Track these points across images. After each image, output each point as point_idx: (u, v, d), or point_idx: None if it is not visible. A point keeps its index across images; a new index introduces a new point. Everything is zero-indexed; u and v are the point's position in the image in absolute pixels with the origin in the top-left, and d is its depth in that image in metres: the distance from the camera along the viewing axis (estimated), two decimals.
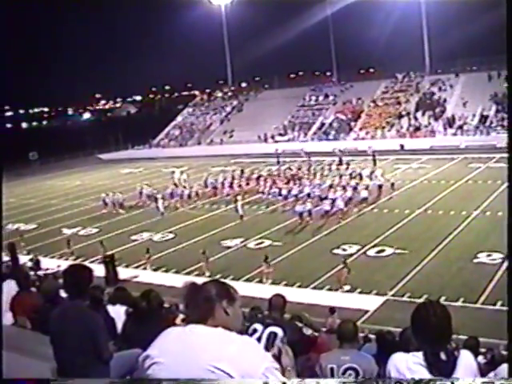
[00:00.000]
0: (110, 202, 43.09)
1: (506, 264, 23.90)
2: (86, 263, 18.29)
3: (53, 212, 44.84)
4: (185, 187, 46.27)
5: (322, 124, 76.74)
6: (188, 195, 43.59)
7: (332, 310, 19.55)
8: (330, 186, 39.90)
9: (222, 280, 3.66)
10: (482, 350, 12.49)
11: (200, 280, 3.68)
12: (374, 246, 29.00)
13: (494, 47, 50.60)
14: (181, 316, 11.61)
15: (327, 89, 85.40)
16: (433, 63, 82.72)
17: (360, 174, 44.71)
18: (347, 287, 23.75)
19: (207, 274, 26.37)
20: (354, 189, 39.30)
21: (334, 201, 36.20)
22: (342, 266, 24.32)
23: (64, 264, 24.61)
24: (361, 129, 72.43)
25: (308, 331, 7.91)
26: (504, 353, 10.06)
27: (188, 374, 3.24)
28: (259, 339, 6.03)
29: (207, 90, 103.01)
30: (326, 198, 37.07)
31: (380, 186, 40.52)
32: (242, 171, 49.99)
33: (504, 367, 4.82)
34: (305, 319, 10.93)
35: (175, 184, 46.68)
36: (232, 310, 3.43)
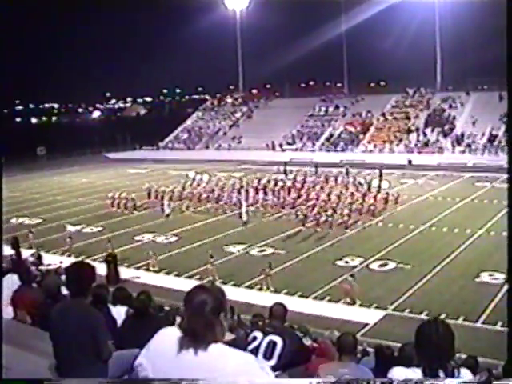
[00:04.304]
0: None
1: (507, 284, 23.92)
2: (88, 261, 18.30)
3: (57, 208, 44.90)
4: (198, 185, 47.51)
5: (331, 135, 76.77)
6: (198, 198, 43.75)
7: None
8: (338, 197, 39.97)
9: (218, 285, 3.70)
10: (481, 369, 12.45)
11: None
12: (376, 260, 28.95)
13: (507, 67, 50.60)
14: (179, 319, 11.62)
15: (337, 100, 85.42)
16: (444, 80, 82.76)
17: (369, 184, 44.91)
18: (357, 301, 23.60)
19: (212, 278, 26.30)
20: (362, 198, 39.54)
21: (335, 211, 36.40)
22: (351, 278, 24.16)
23: (66, 260, 24.69)
24: (369, 142, 72.43)
25: (308, 341, 7.91)
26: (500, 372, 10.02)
27: None
28: (258, 347, 6.03)
29: (218, 95, 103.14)
30: (332, 207, 37.07)
31: (386, 199, 40.53)
32: (260, 180, 49.34)
33: None
34: (304, 329, 10.94)
35: (183, 187, 46.69)
36: (225, 321, 3.48)
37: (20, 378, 4.05)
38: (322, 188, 44.17)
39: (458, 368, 3.92)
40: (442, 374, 3.82)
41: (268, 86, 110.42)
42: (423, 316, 20.61)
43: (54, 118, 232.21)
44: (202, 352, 3.31)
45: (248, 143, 77.74)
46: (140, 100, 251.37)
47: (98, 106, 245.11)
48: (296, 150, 74.45)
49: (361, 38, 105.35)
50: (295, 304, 20.97)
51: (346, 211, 36.17)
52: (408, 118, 74.56)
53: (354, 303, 23.48)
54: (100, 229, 37.32)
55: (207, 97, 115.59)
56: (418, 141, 69.17)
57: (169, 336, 3.49)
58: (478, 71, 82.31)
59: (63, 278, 6.77)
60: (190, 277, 27.10)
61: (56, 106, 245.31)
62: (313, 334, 11.97)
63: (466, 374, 3.94)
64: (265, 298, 21.26)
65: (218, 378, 3.22)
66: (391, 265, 28.15)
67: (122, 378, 4.99)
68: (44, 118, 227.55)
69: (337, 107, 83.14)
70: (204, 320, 3.35)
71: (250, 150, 74.18)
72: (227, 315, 3.52)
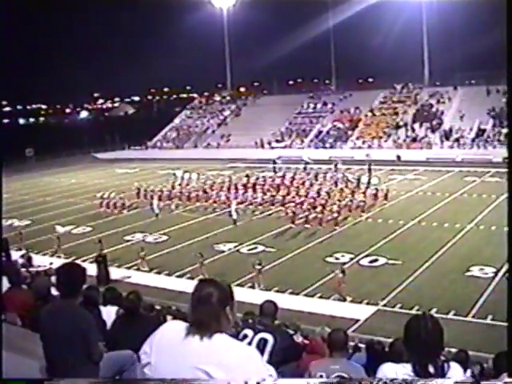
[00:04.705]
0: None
1: (497, 278, 24.03)
2: (78, 262, 18.23)
3: (47, 209, 44.71)
4: (187, 185, 47.37)
5: (320, 132, 76.86)
6: (187, 197, 43.63)
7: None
8: (327, 193, 39.95)
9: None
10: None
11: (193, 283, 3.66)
12: (367, 256, 28.98)
13: (494, 62, 50.77)
14: (169, 318, 11.60)
15: (325, 97, 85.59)
16: (432, 75, 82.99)
17: (358, 180, 44.91)
18: (348, 297, 23.68)
19: (201, 277, 26.24)
20: (352, 195, 39.56)
21: (325, 207, 36.40)
22: (341, 274, 24.18)
23: (56, 261, 24.59)
24: (358, 138, 72.55)
25: (299, 338, 7.92)
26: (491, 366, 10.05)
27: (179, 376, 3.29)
28: (249, 345, 6.02)
29: (206, 93, 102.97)
30: (321, 204, 37.04)
31: (376, 194, 40.59)
32: (249, 178, 49.04)
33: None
34: (294, 326, 10.94)
35: (173, 186, 46.54)
36: (232, 315, 3.49)
37: (20, 378, 4.03)
38: (311, 185, 44.14)
39: (447, 362, 3.93)
40: (431, 368, 3.82)
41: (256, 83, 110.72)
42: (414, 311, 20.64)
43: (41, 119, 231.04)
44: (207, 339, 3.35)
45: (236, 141, 77.75)
46: (128, 99, 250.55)
47: (85, 106, 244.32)
48: (285, 147, 74.46)
49: (348, 34, 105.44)
50: (286, 301, 21.02)
51: (335, 208, 36.16)
52: (396, 114, 74.75)
53: (344, 300, 23.52)
54: (90, 229, 37.17)
55: (195, 95, 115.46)
56: (406, 136, 69.36)
57: (175, 326, 3.54)
58: (465, 66, 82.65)
59: (53, 279, 6.75)
60: (180, 276, 27.10)
61: (44, 106, 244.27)
62: (304, 330, 11.99)
63: (456, 368, 3.94)
64: (255, 296, 21.24)
65: (219, 371, 3.23)
66: (381, 260, 28.19)
67: (115, 378, 4.99)
68: (32, 119, 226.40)
69: (325, 104, 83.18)
70: (210, 310, 3.39)
71: (239, 148, 74.14)
72: (234, 310, 3.51)
